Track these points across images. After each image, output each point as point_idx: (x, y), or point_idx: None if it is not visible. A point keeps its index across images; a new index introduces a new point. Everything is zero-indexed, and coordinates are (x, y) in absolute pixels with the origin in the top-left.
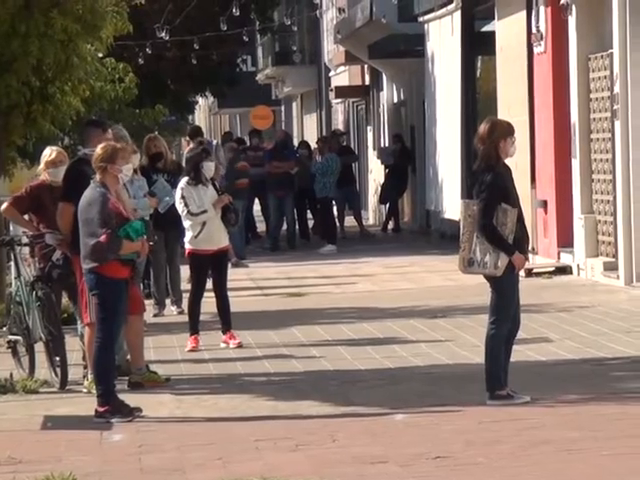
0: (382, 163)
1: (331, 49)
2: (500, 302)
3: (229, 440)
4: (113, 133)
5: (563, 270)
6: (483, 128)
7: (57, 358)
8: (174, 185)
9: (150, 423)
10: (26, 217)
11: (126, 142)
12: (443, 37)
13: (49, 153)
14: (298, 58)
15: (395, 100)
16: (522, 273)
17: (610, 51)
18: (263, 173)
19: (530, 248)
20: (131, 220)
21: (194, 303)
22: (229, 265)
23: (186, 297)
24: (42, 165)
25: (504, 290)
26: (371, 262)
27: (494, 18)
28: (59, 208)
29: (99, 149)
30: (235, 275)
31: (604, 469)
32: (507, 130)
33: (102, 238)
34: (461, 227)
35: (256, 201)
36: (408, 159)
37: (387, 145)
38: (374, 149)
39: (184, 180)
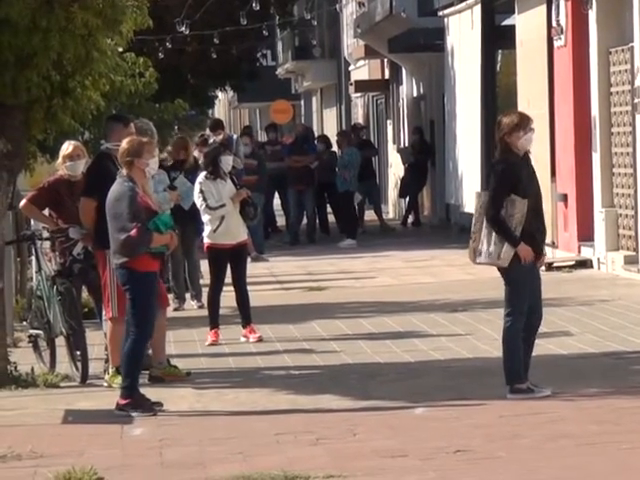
0: (404, 163)
1: (351, 43)
2: (512, 294)
3: (249, 434)
4: (136, 127)
5: (583, 264)
6: (496, 121)
7: (78, 352)
8: (192, 181)
9: (171, 417)
10: (46, 212)
11: (150, 135)
12: (463, 31)
13: (66, 147)
14: (318, 52)
15: (415, 94)
16: (542, 267)
17: (631, 44)
18: (282, 167)
19: (550, 242)
20: (159, 213)
21: (214, 297)
22: (249, 259)
23: (206, 291)
24: (60, 160)
25: (514, 281)
26: (391, 256)
27: (514, 12)
28: (81, 203)
29: (125, 143)
30: (255, 269)
31: (624, 463)
32: (514, 125)
33: (133, 232)
34: (473, 218)
35: (276, 195)
36: (427, 153)
37: (406, 145)
38: (394, 143)
39: (202, 174)
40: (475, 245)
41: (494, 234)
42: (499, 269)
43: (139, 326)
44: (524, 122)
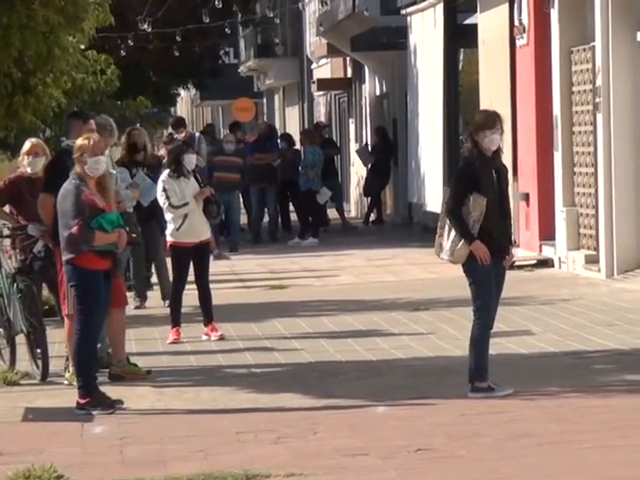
0: (365, 165)
1: (313, 41)
2: (474, 293)
3: (210, 432)
4: (96, 123)
5: (545, 263)
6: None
7: (38, 350)
8: (154, 179)
9: (131, 415)
10: (6, 209)
11: (109, 132)
12: (426, 30)
13: (26, 144)
14: (280, 50)
15: (377, 93)
16: (507, 267)
17: (592, 44)
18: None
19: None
20: (106, 212)
21: (176, 295)
22: (211, 257)
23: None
24: (21, 157)
25: (475, 279)
26: (353, 255)
27: (477, 11)
28: (40, 199)
29: (78, 141)
30: (217, 267)
31: (585, 462)
32: (482, 123)
33: (74, 229)
34: (440, 212)
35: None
36: (390, 152)
37: (364, 145)
38: (356, 141)
39: (165, 173)
40: (441, 240)
41: (453, 231)
42: (462, 268)
43: (83, 323)
44: (490, 122)
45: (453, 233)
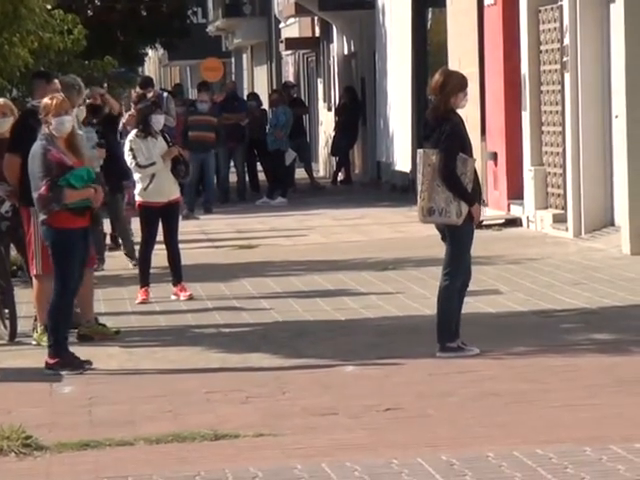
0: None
1: (281, 1)
2: (457, 253)
3: (179, 392)
4: (62, 82)
5: (513, 222)
6: (436, 80)
7: (6, 310)
8: (106, 136)
9: (100, 375)
10: None
11: (77, 92)
12: None
13: None
14: (248, 10)
15: (346, 52)
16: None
17: (560, 3)
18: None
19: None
20: (75, 168)
21: (145, 255)
22: (180, 217)
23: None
24: None
25: (462, 240)
26: (321, 214)
27: None
28: (5, 159)
29: (44, 100)
30: (186, 227)
31: (552, 421)
32: (459, 85)
33: (42, 189)
34: (420, 176)
35: None
36: (357, 112)
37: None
38: (324, 101)
39: (133, 132)
40: (425, 204)
41: (449, 192)
42: (446, 227)
43: (60, 282)
44: (466, 82)
45: (448, 195)
